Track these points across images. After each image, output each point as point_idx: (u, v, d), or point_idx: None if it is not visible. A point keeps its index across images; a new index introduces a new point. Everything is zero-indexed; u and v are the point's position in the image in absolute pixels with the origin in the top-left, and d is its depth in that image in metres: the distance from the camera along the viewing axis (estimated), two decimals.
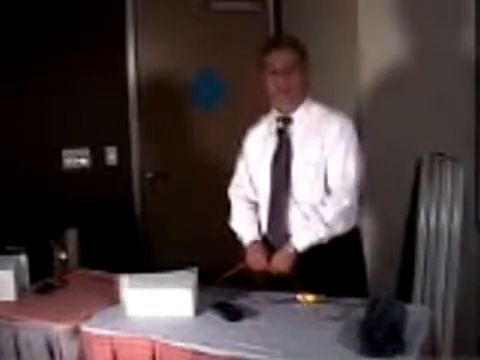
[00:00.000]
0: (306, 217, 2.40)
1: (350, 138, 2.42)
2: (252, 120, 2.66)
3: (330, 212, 2.36)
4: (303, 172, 2.42)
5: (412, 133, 3.15)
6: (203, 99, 3.89)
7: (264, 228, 2.52)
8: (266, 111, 2.61)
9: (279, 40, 2.54)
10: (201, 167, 3.83)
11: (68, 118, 3.50)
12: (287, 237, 2.41)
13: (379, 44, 3.12)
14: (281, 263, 2.37)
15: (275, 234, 2.47)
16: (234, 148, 2.70)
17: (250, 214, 2.57)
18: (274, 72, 2.43)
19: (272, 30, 3.97)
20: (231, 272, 2.41)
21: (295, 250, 2.35)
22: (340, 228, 2.38)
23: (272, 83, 2.45)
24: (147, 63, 3.76)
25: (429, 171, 3.15)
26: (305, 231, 2.37)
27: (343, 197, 2.38)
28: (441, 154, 3.15)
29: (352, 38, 3.18)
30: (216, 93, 3.89)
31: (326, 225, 2.34)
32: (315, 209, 2.38)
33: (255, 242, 2.48)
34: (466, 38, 3.16)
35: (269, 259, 2.40)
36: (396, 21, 3.13)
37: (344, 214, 2.38)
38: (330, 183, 2.41)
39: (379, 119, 3.10)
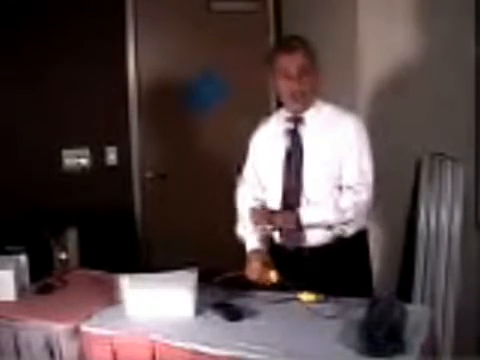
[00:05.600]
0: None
1: (363, 137, 2.43)
2: (252, 120, 2.65)
3: (346, 199, 2.35)
4: (316, 172, 2.40)
5: (412, 133, 3.15)
6: (203, 99, 3.89)
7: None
8: (266, 111, 2.60)
9: (290, 43, 2.45)
10: (201, 167, 3.83)
11: (68, 118, 3.51)
12: (299, 235, 2.40)
13: (379, 44, 3.12)
14: (286, 220, 2.37)
15: (287, 234, 2.45)
16: (234, 148, 2.70)
17: None
18: (287, 76, 2.39)
19: (272, 30, 3.97)
20: (230, 274, 2.37)
21: (298, 216, 2.34)
22: (350, 217, 2.35)
23: (285, 88, 2.41)
24: (147, 63, 3.76)
25: (429, 171, 3.15)
26: (314, 207, 2.37)
27: (362, 191, 2.37)
28: (441, 154, 3.15)
29: (352, 38, 3.18)
30: (216, 93, 3.89)
31: (338, 209, 2.33)
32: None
33: (255, 251, 2.45)
34: (466, 38, 3.16)
35: (267, 265, 2.36)
36: (396, 21, 3.12)
37: (359, 206, 2.37)
38: (348, 181, 2.40)
39: (379, 119, 3.09)
